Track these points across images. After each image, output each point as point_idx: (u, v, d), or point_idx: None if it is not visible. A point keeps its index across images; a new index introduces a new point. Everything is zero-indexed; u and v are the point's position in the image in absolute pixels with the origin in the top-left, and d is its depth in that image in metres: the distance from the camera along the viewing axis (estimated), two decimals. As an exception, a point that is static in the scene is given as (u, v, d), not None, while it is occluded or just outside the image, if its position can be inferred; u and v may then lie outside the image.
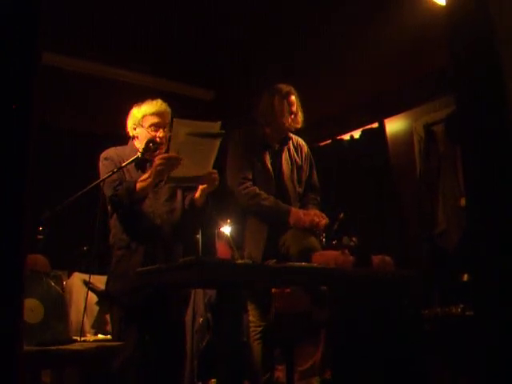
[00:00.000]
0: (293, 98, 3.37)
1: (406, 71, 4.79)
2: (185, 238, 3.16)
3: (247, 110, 5.27)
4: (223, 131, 2.79)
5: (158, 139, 3.00)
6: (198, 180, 2.92)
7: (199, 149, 2.81)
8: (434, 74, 4.57)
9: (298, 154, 3.49)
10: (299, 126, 3.44)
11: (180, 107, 3.12)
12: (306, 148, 3.57)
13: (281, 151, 3.42)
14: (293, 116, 3.37)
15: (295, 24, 4.18)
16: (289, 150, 3.46)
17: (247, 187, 3.24)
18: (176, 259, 2.92)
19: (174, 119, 2.76)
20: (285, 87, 3.39)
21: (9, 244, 1.28)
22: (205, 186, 2.95)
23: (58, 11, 3.56)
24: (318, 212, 3.23)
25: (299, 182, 3.46)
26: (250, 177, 3.28)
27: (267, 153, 3.37)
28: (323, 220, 3.13)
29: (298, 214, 3.15)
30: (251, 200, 3.22)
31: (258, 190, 3.22)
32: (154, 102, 3.08)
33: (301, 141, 3.57)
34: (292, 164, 3.44)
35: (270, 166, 3.35)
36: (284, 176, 3.37)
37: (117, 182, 2.89)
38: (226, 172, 3.36)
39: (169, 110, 3.11)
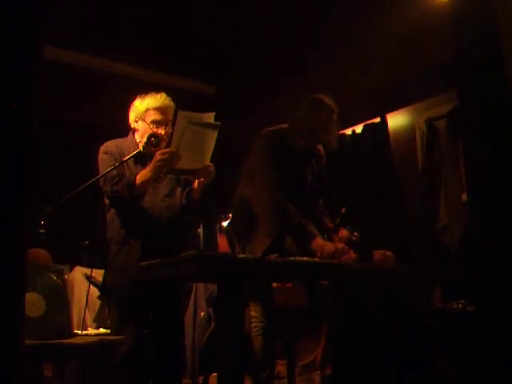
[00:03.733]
0: (335, 117, 3.19)
1: (408, 66, 4.79)
2: (183, 232, 3.15)
3: (249, 104, 5.28)
4: (219, 123, 2.79)
5: (159, 135, 2.99)
6: (195, 173, 2.92)
7: (199, 141, 2.81)
8: (436, 69, 4.57)
9: (319, 165, 3.42)
10: (333, 146, 3.34)
11: (181, 101, 3.10)
12: (324, 159, 3.47)
13: (306, 161, 3.34)
14: (331, 134, 3.28)
15: (297, 21, 4.17)
16: (313, 160, 3.38)
17: (276, 197, 3.06)
18: (174, 254, 2.92)
19: (179, 111, 2.75)
20: (329, 102, 3.21)
21: (10, 238, 1.28)
22: (201, 179, 2.94)
23: (59, 6, 3.55)
24: (343, 246, 3.09)
25: (318, 192, 3.41)
26: (281, 183, 3.11)
27: (292, 162, 3.27)
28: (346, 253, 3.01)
29: (324, 243, 2.93)
30: (277, 212, 3.04)
31: (286, 204, 3.03)
32: (158, 95, 3.05)
33: (322, 151, 3.45)
34: (315, 175, 3.38)
35: (293, 174, 3.27)
36: (307, 186, 3.31)
37: (116, 179, 2.88)
38: (255, 173, 3.21)
39: (172, 104, 3.07)
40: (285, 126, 3.31)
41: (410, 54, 4.58)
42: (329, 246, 2.86)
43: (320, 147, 3.43)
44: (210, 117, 2.79)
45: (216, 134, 2.81)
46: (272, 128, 3.33)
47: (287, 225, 3.03)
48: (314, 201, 3.38)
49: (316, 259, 2.71)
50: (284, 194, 3.08)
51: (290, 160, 3.24)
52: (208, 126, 2.78)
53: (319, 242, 2.91)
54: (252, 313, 3.28)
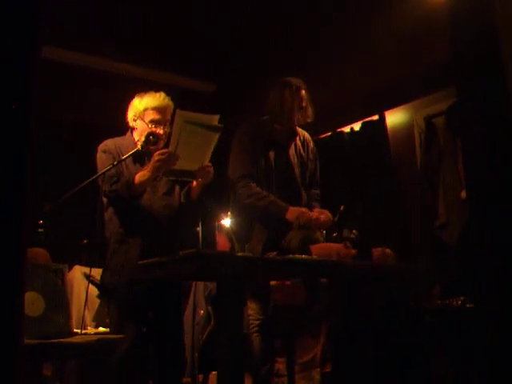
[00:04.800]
0: (303, 92, 3.30)
1: (406, 64, 4.79)
2: (182, 231, 3.15)
3: (248, 103, 5.26)
4: (221, 125, 2.78)
5: (158, 134, 2.99)
6: (194, 174, 2.92)
7: (198, 141, 2.80)
8: (434, 67, 4.57)
9: (304, 150, 3.43)
10: (309, 120, 3.36)
11: (181, 100, 3.10)
12: (312, 144, 3.51)
13: (287, 147, 3.37)
14: (302, 111, 3.32)
15: (297, 21, 4.17)
16: (295, 145, 3.40)
17: (245, 185, 3.18)
18: (173, 253, 2.92)
19: (177, 111, 2.74)
20: (295, 81, 3.31)
21: (9, 237, 1.28)
22: (200, 179, 2.94)
23: (59, 6, 3.54)
24: (320, 210, 3.19)
25: (303, 178, 3.43)
26: (252, 173, 3.22)
27: (273, 149, 3.31)
28: (323, 216, 3.10)
29: (298, 209, 3.11)
30: (247, 199, 3.18)
31: (254, 189, 3.16)
32: (157, 95, 3.05)
33: (307, 136, 3.49)
34: (298, 160, 3.39)
35: (273, 162, 3.30)
36: (294, 172, 3.33)
37: (115, 178, 2.88)
38: (229, 164, 3.32)
39: (171, 103, 3.07)
40: (266, 117, 3.38)
41: (409, 52, 4.58)
42: (308, 215, 3.03)
43: (305, 133, 3.48)
44: (214, 119, 2.77)
45: (217, 136, 2.79)
46: (249, 121, 3.38)
47: (259, 209, 3.13)
48: (305, 188, 3.39)
49: (314, 257, 2.71)
50: (265, 186, 3.19)
51: (272, 148, 3.28)
52: (208, 127, 2.77)
53: (293, 212, 3.06)
54: (249, 311, 3.29)
